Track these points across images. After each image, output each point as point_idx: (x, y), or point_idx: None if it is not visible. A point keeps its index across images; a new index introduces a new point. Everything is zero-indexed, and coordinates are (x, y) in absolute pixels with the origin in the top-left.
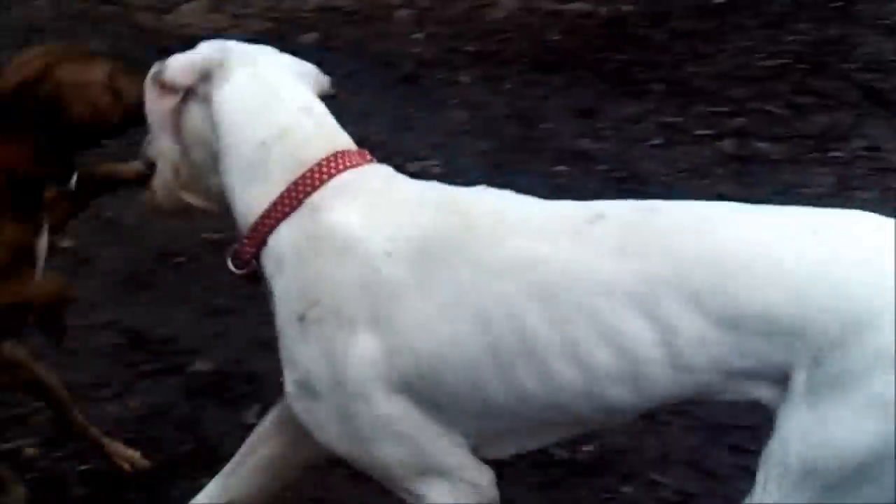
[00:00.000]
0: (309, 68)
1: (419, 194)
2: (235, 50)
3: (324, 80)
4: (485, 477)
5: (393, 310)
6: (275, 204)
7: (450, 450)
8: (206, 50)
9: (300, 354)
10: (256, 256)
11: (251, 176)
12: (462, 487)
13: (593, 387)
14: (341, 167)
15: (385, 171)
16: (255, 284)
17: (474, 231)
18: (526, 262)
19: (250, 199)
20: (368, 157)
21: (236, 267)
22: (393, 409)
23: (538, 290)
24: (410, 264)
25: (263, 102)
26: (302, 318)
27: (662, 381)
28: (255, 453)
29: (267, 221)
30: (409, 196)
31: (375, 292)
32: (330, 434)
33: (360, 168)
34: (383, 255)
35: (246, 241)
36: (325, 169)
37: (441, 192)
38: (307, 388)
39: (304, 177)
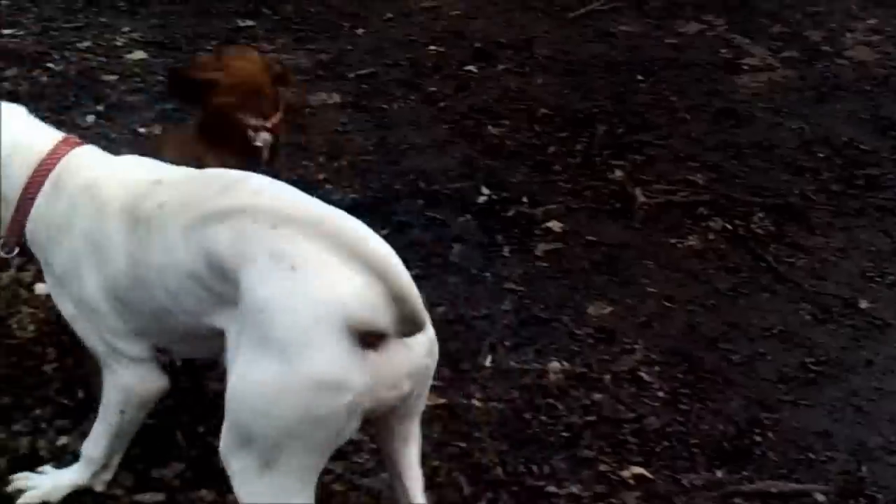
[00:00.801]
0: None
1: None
2: None
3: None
4: (150, 371)
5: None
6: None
7: (130, 341)
8: None
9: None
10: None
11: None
12: (132, 370)
13: (171, 309)
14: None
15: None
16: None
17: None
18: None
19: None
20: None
21: (7, 253)
22: (102, 309)
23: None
24: (114, 222)
25: None
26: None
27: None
28: None
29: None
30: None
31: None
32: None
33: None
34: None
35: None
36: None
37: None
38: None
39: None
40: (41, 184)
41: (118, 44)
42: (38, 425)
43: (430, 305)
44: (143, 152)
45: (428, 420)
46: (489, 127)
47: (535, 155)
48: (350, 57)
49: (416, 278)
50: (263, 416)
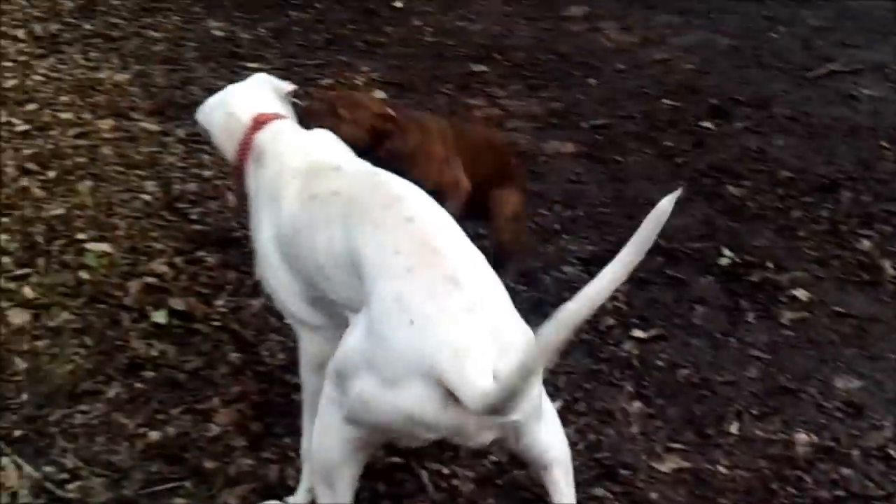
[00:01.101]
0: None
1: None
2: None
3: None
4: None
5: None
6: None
7: (298, 303)
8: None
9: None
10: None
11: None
12: (312, 337)
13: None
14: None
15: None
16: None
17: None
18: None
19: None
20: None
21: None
22: (273, 261)
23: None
24: (291, 181)
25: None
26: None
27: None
28: None
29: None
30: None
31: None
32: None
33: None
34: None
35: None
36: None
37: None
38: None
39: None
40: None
41: (358, 82)
42: (287, 453)
43: (672, 366)
44: None
45: (672, 483)
46: (729, 187)
47: (779, 219)
48: (583, 106)
49: (657, 338)
50: (361, 412)
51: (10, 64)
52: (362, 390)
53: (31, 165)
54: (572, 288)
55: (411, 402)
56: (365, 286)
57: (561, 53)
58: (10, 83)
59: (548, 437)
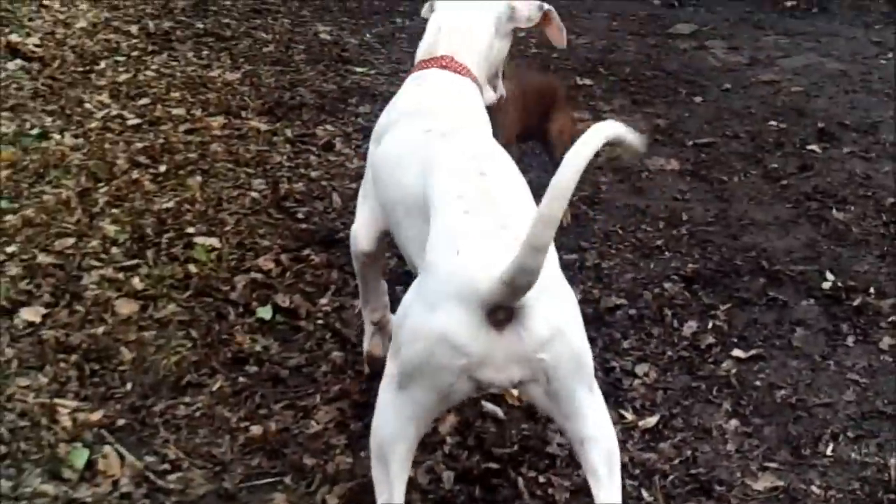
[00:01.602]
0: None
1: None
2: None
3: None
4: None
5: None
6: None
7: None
8: None
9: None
10: None
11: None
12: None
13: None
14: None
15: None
16: None
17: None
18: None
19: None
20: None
21: None
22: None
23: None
24: (399, 116)
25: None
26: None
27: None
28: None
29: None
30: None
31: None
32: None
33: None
34: (394, 107)
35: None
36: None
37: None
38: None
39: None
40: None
41: None
42: None
43: (770, 387)
44: None
45: (766, 501)
46: (834, 211)
47: (883, 245)
48: (688, 124)
49: (756, 358)
50: (406, 345)
51: (122, 59)
52: (410, 325)
53: (142, 159)
54: (674, 305)
55: (447, 321)
56: (429, 225)
57: (667, 70)
58: (122, 77)
59: (587, 409)
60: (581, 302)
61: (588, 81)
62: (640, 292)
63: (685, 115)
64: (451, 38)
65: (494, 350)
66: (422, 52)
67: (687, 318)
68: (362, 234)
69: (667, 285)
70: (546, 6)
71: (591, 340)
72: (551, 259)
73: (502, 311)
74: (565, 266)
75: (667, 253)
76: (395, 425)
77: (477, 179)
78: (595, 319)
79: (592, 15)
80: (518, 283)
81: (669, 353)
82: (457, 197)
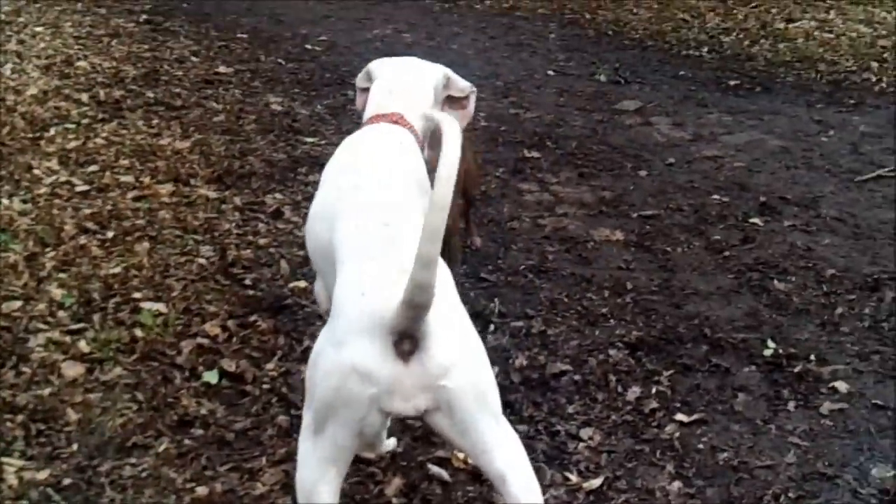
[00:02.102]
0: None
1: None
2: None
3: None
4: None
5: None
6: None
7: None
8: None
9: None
10: None
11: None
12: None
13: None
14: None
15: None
16: None
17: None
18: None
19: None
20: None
21: None
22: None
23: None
24: (328, 175)
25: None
26: None
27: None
28: None
29: None
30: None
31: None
32: None
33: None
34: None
35: None
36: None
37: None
38: None
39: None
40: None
41: None
42: None
43: (713, 450)
44: None
45: None
46: (775, 281)
47: (823, 314)
48: (633, 196)
49: (699, 422)
50: (319, 386)
51: (73, 126)
52: (322, 364)
53: (90, 224)
54: (618, 371)
55: (356, 353)
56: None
57: (613, 145)
58: (72, 144)
59: (494, 442)
60: (527, 368)
61: (535, 154)
62: (585, 358)
63: (630, 188)
64: (401, 99)
65: (401, 379)
66: (372, 110)
67: (631, 384)
68: (322, 295)
69: (611, 352)
70: (474, 88)
71: (537, 405)
72: (451, 295)
73: (407, 341)
74: (512, 332)
75: (611, 320)
76: (316, 471)
77: (381, 229)
78: (541, 385)
79: (541, 90)
80: (417, 301)
81: (614, 417)
82: (361, 246)
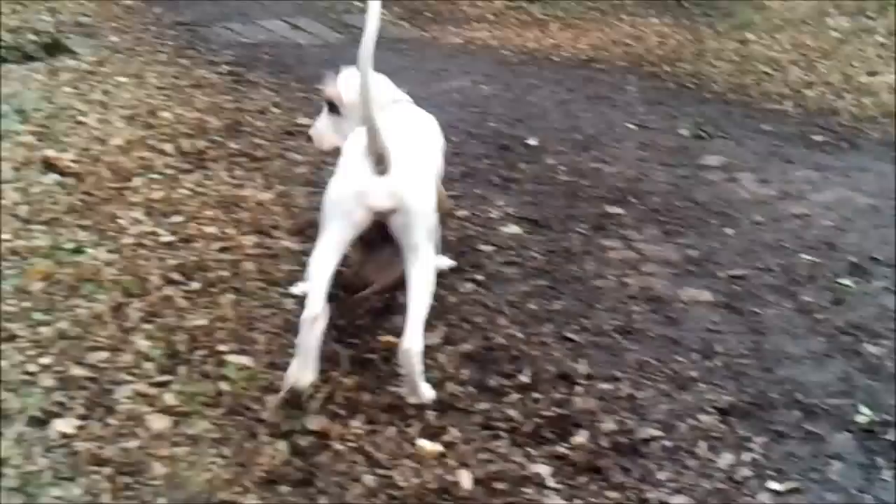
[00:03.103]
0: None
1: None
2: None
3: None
4: None
5: None
6: None
7: None
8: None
9: None
10: None
11: None
12: None
13: None
14: None
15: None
16: None
17: None
18: None
19: None
20: None
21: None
22: None
23: None
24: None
25: None
26: None
27: None
28: None
29: None
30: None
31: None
32: None
33: None
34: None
35: None
36: None
37: None
38: None
39: None
40: None
41: (493, 216)
42: None
43: None
44: None
45: None
46: (867, 345)
47: None
48: (720, 255)
49: (793, 491)
50: (328, 201)
51: (157, 176)
52: (332, 189)
53: (175, 275)
54: (709, 437)
55: (353, 175)
56: None
57: (698, 201)
58: (157, 195)
59: (422, 252)
60: (615, 433)
61: (618, 210)
62: (675, 423)
63: (717, 247)
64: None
65: (377, 185)
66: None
67: (722, 450)
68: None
69: (702, 417)
70: None
71: (626, 471)
72: (424, 165)
73: (381, 164)
74: (599, 395)
75: (701, 384)
76: (320, 255)
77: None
78: (630, 450)
79: (622, 144)
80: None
81: (706, 484)
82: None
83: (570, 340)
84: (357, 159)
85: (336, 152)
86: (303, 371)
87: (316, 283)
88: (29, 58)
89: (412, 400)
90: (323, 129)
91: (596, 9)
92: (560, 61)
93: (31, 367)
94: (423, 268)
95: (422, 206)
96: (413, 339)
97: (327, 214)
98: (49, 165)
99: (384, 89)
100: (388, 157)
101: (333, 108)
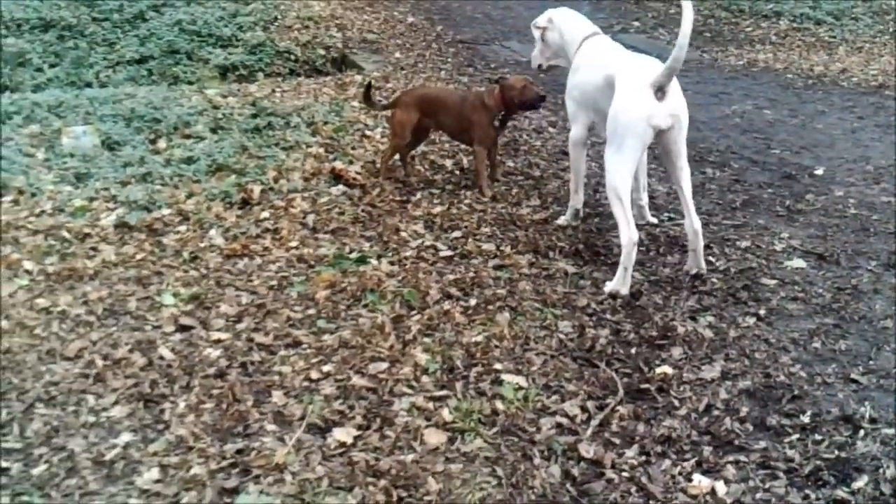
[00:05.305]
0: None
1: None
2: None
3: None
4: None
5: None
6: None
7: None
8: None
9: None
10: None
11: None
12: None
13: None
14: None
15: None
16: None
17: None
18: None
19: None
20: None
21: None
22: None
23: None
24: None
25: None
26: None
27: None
28: None
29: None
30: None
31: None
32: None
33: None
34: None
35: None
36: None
37: None
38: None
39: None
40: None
41: (776, 248)
42: None
43: None
44: None
45: None
46: None
47: None
48: None
49: None
50: (623, 124)
51: (437, 192)
52: (626, 111)
53: (453, 290)
54: None
55: (642, 101)
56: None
57: None
58: (437, 209)
59: (683, 160)
60: None
61: None
62: None
63: None
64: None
65: (659, 109)
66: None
67: None
68: (580, 134)
69: None
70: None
71: None
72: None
73: (660, 92)
74: (883, 440)
75: None
76: (622, 173)
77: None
78: None
79: None
80: (673, 67)
81: None
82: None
83: (856, 382)
84: (642, 88)
85: (543, 70)
86: (624, 285)
87: (627, 205)
88: (318, 72)
89: (693, 272)
90: (537, 53)
91: (887, 31)
92: (849, 87)
93: (314, 374)
94: (687, 167)
95: (687, 122)
96: (697, 220)
97: (624, 139)
98: (336, 177)
99: (582, 24)
100: (668, 87)
101: (542, 39)
